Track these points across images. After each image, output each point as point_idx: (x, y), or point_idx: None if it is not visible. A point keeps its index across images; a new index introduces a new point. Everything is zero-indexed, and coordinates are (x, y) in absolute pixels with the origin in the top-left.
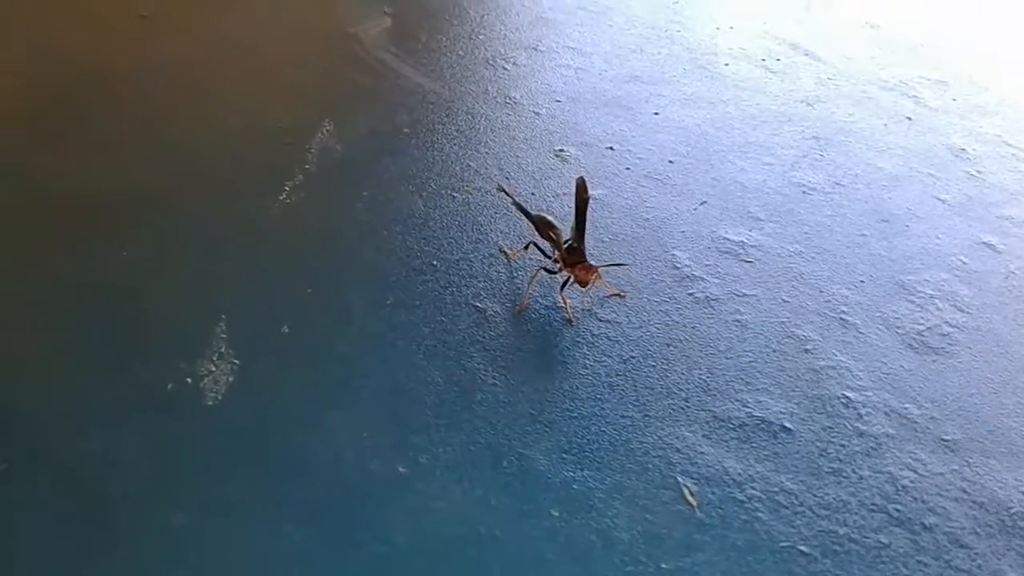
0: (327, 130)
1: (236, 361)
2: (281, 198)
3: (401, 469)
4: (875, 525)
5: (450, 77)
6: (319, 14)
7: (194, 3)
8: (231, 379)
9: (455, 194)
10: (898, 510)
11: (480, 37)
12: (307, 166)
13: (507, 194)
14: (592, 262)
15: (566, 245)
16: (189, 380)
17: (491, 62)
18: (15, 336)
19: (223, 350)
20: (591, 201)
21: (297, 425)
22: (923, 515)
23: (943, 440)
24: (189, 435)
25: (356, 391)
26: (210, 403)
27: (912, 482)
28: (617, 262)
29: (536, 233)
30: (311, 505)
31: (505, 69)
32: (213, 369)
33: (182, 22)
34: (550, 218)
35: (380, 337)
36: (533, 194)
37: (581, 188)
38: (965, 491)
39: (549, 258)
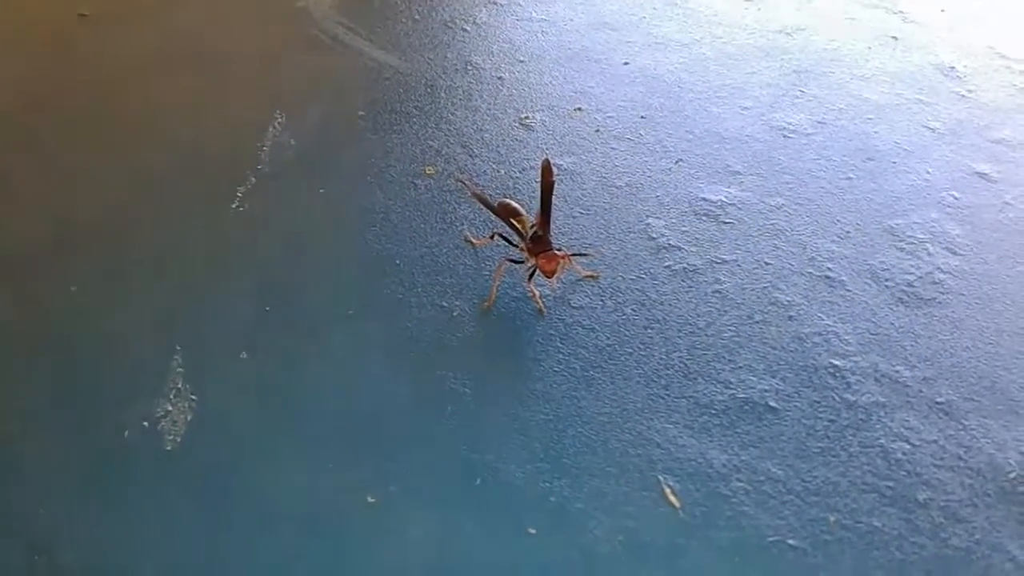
0: (279, 123)
1: (194, 397)
2: (234, 207)
3: (371, 499)
4: (867, 507)
5: (407, 46)
6: None
7: None
8: (189, 418)
9: (416, 181)
10: (890, 487)
11: None
12: (259, 167)
13: (466, 185)
14: (559, 248)
15: (531, 233)
16: (146, 424)
17: (450, 24)
18: None
19: (180, 386)
20: (557, 177)
21: (260, 462)
22: (916, 490)
23: (936, 403)
24: (150, 486)
25: (320, 417)
26: (169, 447)
27: (905, 454)
28: (582, 251)
29: (502, 221)
30: (284, 555)
31: (465, 31)
32: (170, 409)
33: (125, 17)
34: (515, 204)
35: (343, 353)
36: (498, 171)
37: (546, 171)
38: (960, 458)
39: (515, 247)
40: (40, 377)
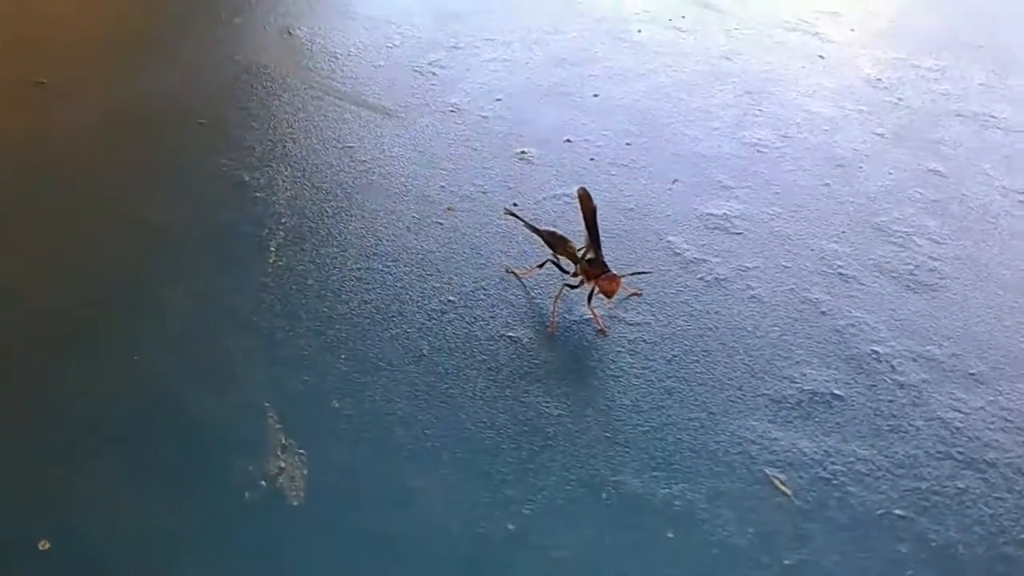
0: (285, 177)
1: (302, 451)
2: (271, 260)
3: (510, 526)
4: (948, 472)
5: (384, 93)
6: (223, 54)
7: (94, 63)
8: (305, 471)
9: (440, 221)
10: (960, 452)
11: (396, 41)
12: (283, 220)
13: (516, 217)
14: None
15: (585, 258)
16: (264, 483)
17: (418, 69)
18: (70, 470)
19: (284, 441)
20: (570, 205)
21: (390, 504)
22: (983, 452)
23: (971, 375)
24: (285, 542)
25: (434, 454)
26: (295, 503)
27: (961, 423)
28: (641, 270)
29: (552, 250)
30: None
31: (434, 74)
32: (283, 465)
33: (82, 84)
34: (560, 232)
35: (432, 389)
36: (515, 204)
37: (585, 199)
38: (1007, 419)
39: (567, 273)
40: (135, 453)
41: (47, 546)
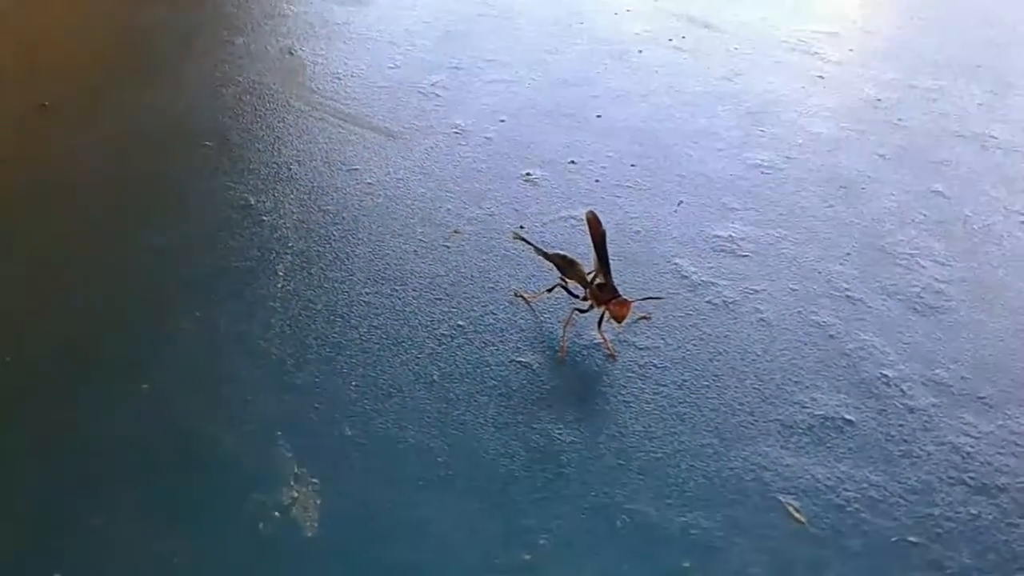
0: (291, 200)
1: (315, 480)
2: (279, 285)
3: (526, 556)
4: (960, 498)
5: (387, 115)
6: (225, 75)
7: (97, 85)
8: (319, 501)
9: (447, 244)
10: (972, 478)
11: (398, 62)
12: (289, 243)
13: (525, 241)
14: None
15: (595, 282)
16: (277, 514)
17: (421, 90)
18: (82, 501)
19: (296, 470)
20: (577, 228)
21: (405, 534)
22: (994, 477)
23: (980, 398)
24: (300, 573)
25: (448, 482)
26: (309, 534)
27: (972, 447)
28: (651, 295)
29: (561, 274)
30: None
31: (438, 95)
32: (296, 495)
33: (85, 107)
34: (570, 256)
35: (444, 416)
36: (522, 226)
37: (594, 223)
38: (1017, 444)
39: (577, 298)
40: (147, 484)
41: None
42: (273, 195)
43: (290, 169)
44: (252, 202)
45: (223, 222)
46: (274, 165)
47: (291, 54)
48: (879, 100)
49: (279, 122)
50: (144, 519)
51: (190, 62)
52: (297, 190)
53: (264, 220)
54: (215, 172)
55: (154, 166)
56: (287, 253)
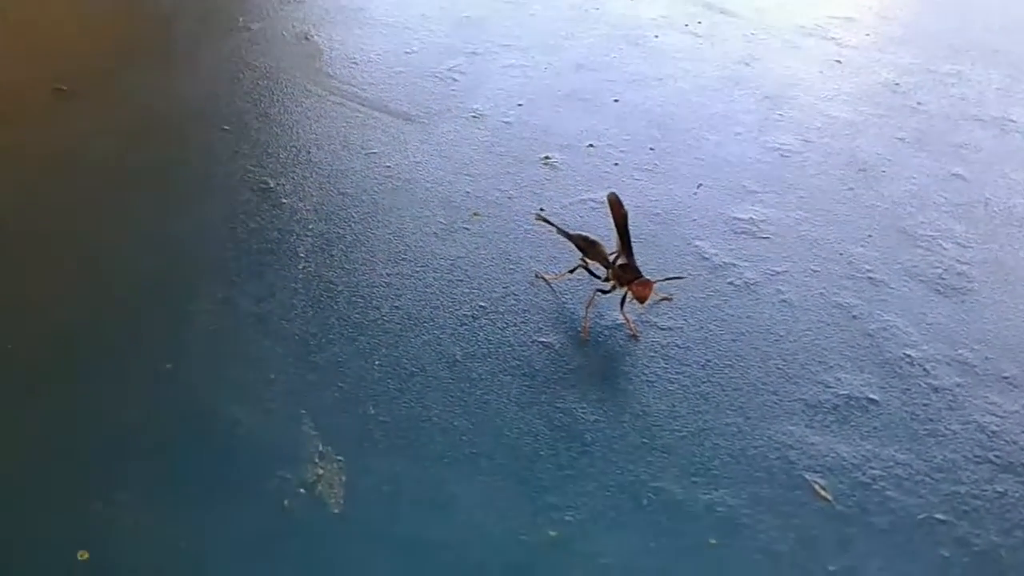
0: (311, 183)
1: (339, 458)
2: (300, 267)
3: (552, 533)
4: (987, 476)
5: (405, 99)
6: (242, 60)
7: (114, 70)
8: (344, 478)
9: (467, 227)
10: (998, 456)
11: (414, 47)
12: (310, 225)
13: (548, 222)
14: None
15: (618, 263)
16: (303, 491)
17: (438, 75)
18: (107, 483)
19: (321, 448)
20: (596, 211)
21: (431, 511)
22: (1020, 455)
23: (1004, 378)
24: (326, 549)
25: (472, 460)
26: (335, 510)
27: (998, 426)
28: (673, 275)
29: (583, 255)
30: None
31: (455, 80)
32: (321, 472)
33: (102, 91)
34: (592, 236)
35: (467, 395)
36: (542, 209)
37: (616, 204)
38: None
39: (599, 278)
40: (172, 464)
41: (86, 556)
42: (292, 178)
43: (309, 153)
44: (272, 185)
45: (243, 205)
46: (293, 149)
47: (307, 39)
48: (897, 84)
49: (297, 107)
50: (169, 497)
51: (206, 48)
52: (316, 173)
53: (284, 203)
54: (234, 156)
55: (172, 150)
56: (307, 235)
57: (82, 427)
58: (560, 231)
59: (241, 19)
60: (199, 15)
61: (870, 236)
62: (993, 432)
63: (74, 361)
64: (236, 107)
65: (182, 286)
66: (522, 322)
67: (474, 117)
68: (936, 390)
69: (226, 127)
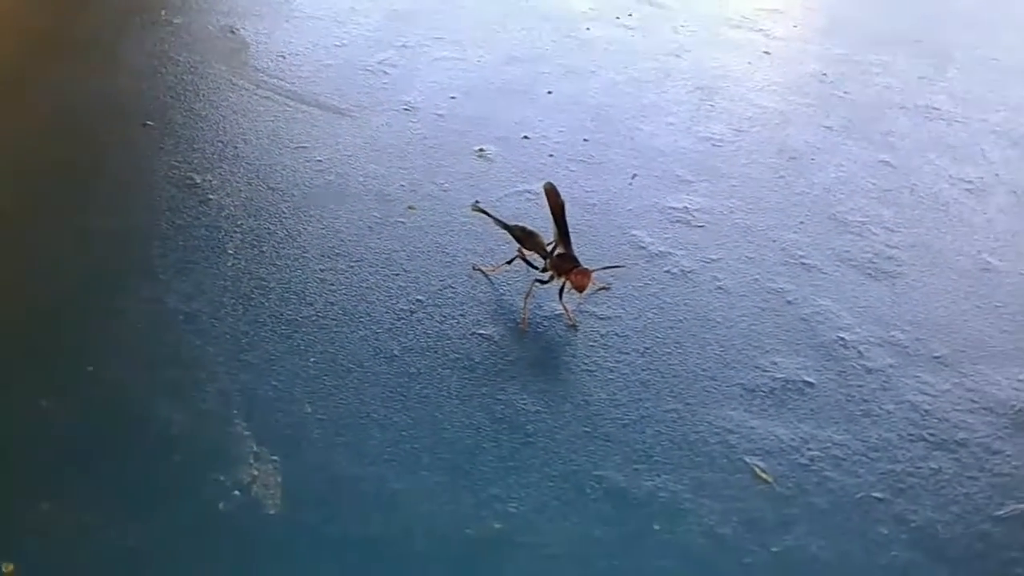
0: (239, 178)
1: (275, 458)
2: (230, 264)
3: (497, 525)
4: (921, 454)
5: (335, 93)
6: (165, 54)
7: (32, 64)
8: (280, 479)
9: (402, 220)
10: (932, 434)
11: (343, 40)
12: (239, 221)
13: (485, 213)
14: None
15: (556, 253)
16: (237, 492)
17: (369, 68)
18: (31, 490)
19: (256, 449)
20: (532, 202)
21: (373, 508)
22: (952, 432)
23: (935, 358)
24: (264, 551)
25: (413, 456)
26: (272, 511)
27: (930, 405)
28: (612, 264)
29: (521, 245)
30: None
31: (386, 73)
32: (256, 473)
33: (21, 86)
34: (530, 227)
35: (407, 390)
36: (478, 201)
37: (552, 194)
38: (973, 400)
39: (537, 269)
40: (99, 468)
41: (11, 569)
42: (219, 174)
43: (236, 148)
44: (198, 181)
45: (168, 202)
46: (219, 144)
47: (233, 33)
48: (824, 74)
49: (223, 101)
50: (98, 504)
51: (128, 40)
52: (244, 169)
53: (211, 199)
54: (158, 152)
55: (93, 147)
56: (236, 231)
57: (3, 433)
58: (497, 222)
59: (163, 12)
60: (119, 8)
61: (802, 223)
62: (926, 411)
63: None
64: (159, 103)
65: (107, 285)
66: (460, 315)
67: (406, 110)
68: (870, 371)
69: (149, 123)
